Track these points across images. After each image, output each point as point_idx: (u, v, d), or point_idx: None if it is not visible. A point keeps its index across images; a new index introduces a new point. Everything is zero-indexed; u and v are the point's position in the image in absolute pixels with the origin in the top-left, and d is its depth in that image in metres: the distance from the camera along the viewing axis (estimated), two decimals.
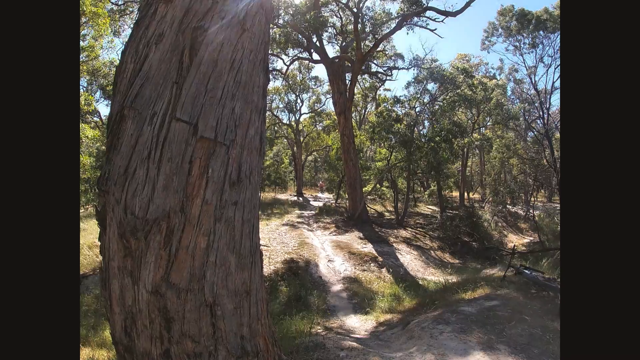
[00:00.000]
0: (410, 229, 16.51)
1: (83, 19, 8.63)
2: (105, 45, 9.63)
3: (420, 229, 16.19)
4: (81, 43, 9.02)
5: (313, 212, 20.89)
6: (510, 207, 18.27)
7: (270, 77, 18.77)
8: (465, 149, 18.55)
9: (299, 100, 24.98)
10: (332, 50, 16.19)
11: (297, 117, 25.84)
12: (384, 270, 12.32)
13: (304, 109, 26.29)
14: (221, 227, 2.30)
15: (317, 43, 14.79)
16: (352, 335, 6.95)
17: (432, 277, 11.93)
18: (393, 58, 18.64)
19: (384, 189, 21.68)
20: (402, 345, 5.38)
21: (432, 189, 19.73)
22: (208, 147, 2.40)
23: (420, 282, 11.31)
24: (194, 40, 2.43)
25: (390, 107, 16.42)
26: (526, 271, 7.06)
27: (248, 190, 2.52)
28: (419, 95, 16.33)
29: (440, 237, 14.90)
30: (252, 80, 2.72)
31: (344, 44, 15.24)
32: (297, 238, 14.84)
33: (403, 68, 17.40)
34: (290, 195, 27.56)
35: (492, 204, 16.23)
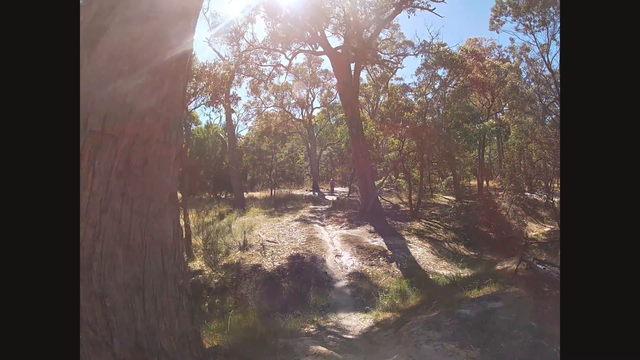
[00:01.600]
0: (424, 221, 15.62)
1: None
2: None
3: (435, 220, 15.27)
4: None
5: (327, 206, 20.34)
6: (528, 194, 16.87)
7: (275, 72, 18.61)
8: (482, 136, 17.32)
9: (310, 95, 24.47)
10: (338, 42, 15.44)
11: (310, 112, 25.31)
12: (393, 264, 11.62)
13: (316, 103, 25.63)
14: (107, 218, 2.25)
15: (319, 34, 14.12)
16: (343, 336, 6.39)
17: (443, 270, 11.11)
18: (403, 46, 17.60)
19: (400, 180, 20.76)
20: (388, 350, 4.77)
21: (450, 179, 18.63)
22: (95, 139, 2.29)
23: (431, 277, 10.54)
24: None
25: (399, 95, 15.50)
26: (539, 266, 6.16)
27: (139, 181, 2.39)
28: (428, 82, 15.30)
29: (456, 228, 13.94)
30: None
31: (346, 33, 14.48)
32: (307, 233, 14.35)
33: (409, 54, 16.36)
34: (306, 190, 27.10)
35: (509, 192, 15.02)
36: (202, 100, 12.77)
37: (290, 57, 14.98)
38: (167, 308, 2.54)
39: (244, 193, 22.00)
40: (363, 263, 11.52)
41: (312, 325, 7.22)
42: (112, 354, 2.20)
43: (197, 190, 19.92)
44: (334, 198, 21.86)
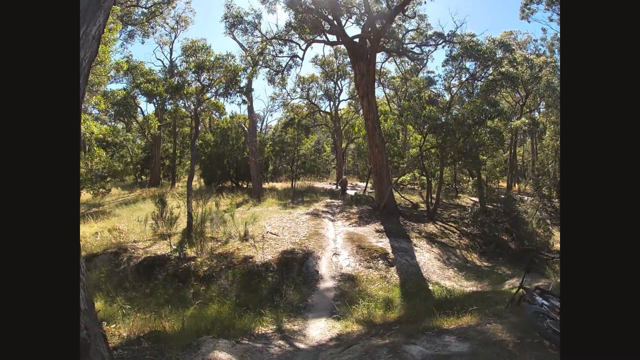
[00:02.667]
0: (440, 223, 14.25)
1: None
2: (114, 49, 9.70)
3: (452, 224, 13.85)
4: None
5: (344, 201, 19.54)
6: (556, 201, 14.58)
7: (292, 63, 17.91)
8: (512, 135, 15.26)
9: (337, 87, 23.47)
10: (356, 31, 14.34)
11: (337, 104, 24.40)
12: (392, 269, 10.61)
13: (344, 95, 24.56)
14: None
15: (336, 23, 13.17)
16: (295, 344, 5.72)
17: (446, 281, 9.90)
18: (434, 38, 15.93)
19: (423, 178, 19.27)
20: None
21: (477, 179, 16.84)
22: None
23: (430, 287, 9.40)
24: None
25: (421, 87, 14.09)
26: (539, 299, 4.40)
27: None
28: (454, 74, 13.72)
29: (473, 234, 12.46)
30: None
31: (364, 21, 13.36)
32: (313, 228, 13.70)
33: (431, 44, 14.73)
34: (330, 183, 26.41)
35: (536, 197, 13.04)
36: (215, 92, 12.59)
37: (304, 47, 14.22)
38: None
39: (265, 183, 21.88)
40: (360, 264, 10.65)
41: (273, 327, 6.64)
42: None
43: (219, 179, 20.11)
44: (352, 193, 20.94)
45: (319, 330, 6.60)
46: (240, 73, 12.74)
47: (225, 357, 4.15)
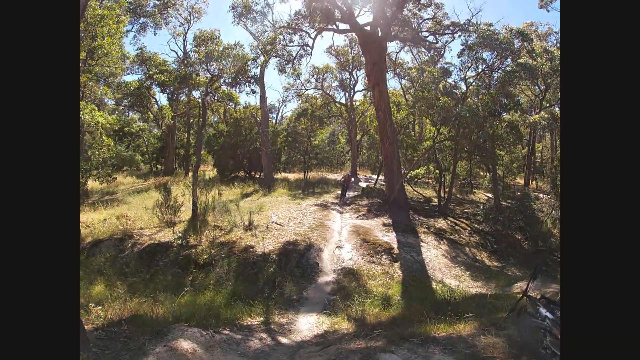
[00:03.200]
0: (451, 219, 13.59)
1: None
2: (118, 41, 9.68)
3: (464, 220, 13.16)
4: (98, 40, 9.23)
5: (355, 193, 19.07)
6: None
7: (303, 52, 17.38)
8: (531, 130, 14.17)
9: (352, 78, 22.75)
10: (368, 18, 13.59)
11: (352, 95, 23.73)
12: (396, 265, 10.16)
13: (359, 86, 23.84)
14: None
15: (345, 9, 12.56)
16: (278, 339, 5.49)
17: (452, 280, 9.36)
18: (451, 28, 14.91)
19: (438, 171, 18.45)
20: None
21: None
22: None
23: (434, 286, 8.90)
24: None
25: (436, 78, 13.31)
26: (543, 310, 3.64)
27: None
28: (470, 65, 12.82)
29: (485, 231, 11.74)
30: None
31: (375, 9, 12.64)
32: (319, 219, 13.39)
33: (448, 33, 13.75)
34: (344, 175, 25.91)
35: (552, 196, 12.06)
36: (224, 81, 12.48)
37: (314, 36, 13.70)
38: None
39: (278, 174, 21.72)
40: (363, 259, 10.28)
41: (261, 318, 6.43)
42: None
43: (232, 169, 20.11)
44: (364, 185, 20.40)
45: (308, 325, 6.34)
46: (249, 62, 12.55)
47: (187, 346, 4.01)
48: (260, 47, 13.37)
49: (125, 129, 21.84)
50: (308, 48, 14.08)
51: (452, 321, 4.96)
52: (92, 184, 13.85)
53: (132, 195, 14.33)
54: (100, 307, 5.53)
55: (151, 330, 4.62)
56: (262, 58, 13.45)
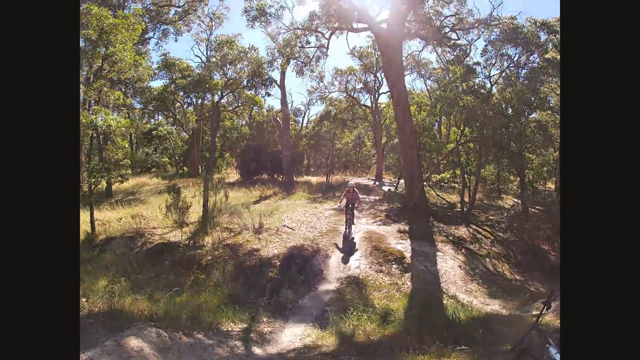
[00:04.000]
0: (474, 227, 12.39)
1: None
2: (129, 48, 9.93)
3: (487, 228, 11.92)
4: (109, 48, 9.55)
5: (376, 197, 18.22)
6: None
7: (320, 54, 16.85)
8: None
9: (377, 80, 21.85)
10: (385, 16, 12.80)
11: (376, 97, 22.82)
12: (406, 275, 9.32)
13: (384, 89, 22.87)
14: None
15: (359, 5, 11.94)
16: (253, 350, 5.05)
17: (466, 295, 8.36)
18: (475, 25, 13.65)
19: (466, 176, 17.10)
20: None
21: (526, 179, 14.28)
22: None
23: (445, 302, 7.96)
24: None
25: (458, 77, 12.23)
26: (553, 350, 2.85)
27: None
28: (494, 62, 11.59)
29: (509, 241, 10.48)
30: None
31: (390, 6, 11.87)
32: (332, 224, 12.81)
33: (467, 28, 12.51)
34: (369, 179, 25.02)
35: None
36: (240, 85, 12.42)
37: (328, 36, 13.16)
38: None
39: (300, 177, 21.42)
40: (371, 267, 9.56)
41: (244, 325, 6.01)
42: None
43: (254, 172, 20.13)
44: (386, 189, 19.45)
45: (292, 336, 5.82)
46: (265, 65, 12.42)
47: (135, 344, 3.92)
48: (277, 50, 13.18)
49: (154, 132, 22.82)
50: (324, 49, 13.65)
51: (441, 352, 4.20)
52: (118, 185, 14.49)
53: (154, 195, 14.71)
54: (85, 299, 5.50)
55: (116, 325, 4.48)
56: (279, 60, 13.25)
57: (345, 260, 9.78)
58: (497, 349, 4.20)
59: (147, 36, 17.08)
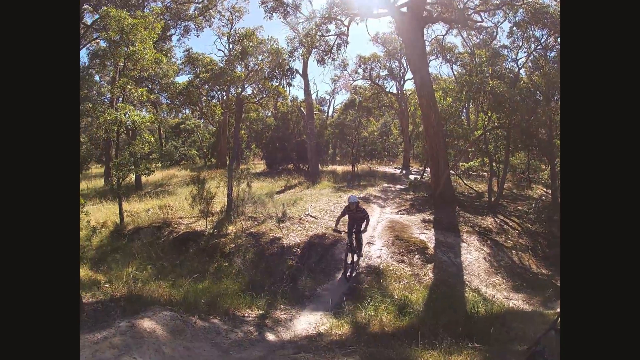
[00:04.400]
0: (502, 217, 11.79)
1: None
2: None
3: (516, 219, 11.28)
4: (130, 48, 9.90)
5: (402, 186, 17.80)
6: None
7: (340, 42, 16.39)
8: None
9: (402, 67, 21.01)
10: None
11: (402, 84, 22.06)
12: (428, 266, 9.09)
13: (410, 74, 21.94)
14: None
15: None
16: (266, 336, 5.17)
17: (490, 289, 8.02)
18: (501, 6, 12.51)
19: (494, 164, 16.21)
20: None
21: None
22: None
23: (467, 295, 7.67)
24: None
25: (484, 61, 11.45)
26: None
27: None
28: (521, 45, 10.67)
29: (538, 233, 9.85)
30: None
31: None
32: None
33: (491, 10, 11.51)
34: (395, 167, 24.45)
35: None
36: (261, 76, 12.48)
37: (347, 22, 12.75)
38: None
39: (324, 166, 21.34)
40: (392, 257, 9.39)
41: (260, 311, 6.14)
42: None
43: (280, 162, 20.33)
44: (412, 178, 18.91)
45: (306, 324, 5.87)
46: (285, 56, 12.35)
47: (148, 326, 4.08)
48: (297, 40, 13.04)
49: (181, 126, 23.62)
50: (344, 37, 13.30)
51: (451, 349, 4.04)
52: (147, 177, 15.19)
53: (182, 187, 15.29)
54: (108, 285, 5.86)
55: (133, 308, 4.74)
56: (300, 50, 13.11)
57: (367, 250, 9.67)
58: (511, 347, 3.98)
59: (168, 33, 17.59)
